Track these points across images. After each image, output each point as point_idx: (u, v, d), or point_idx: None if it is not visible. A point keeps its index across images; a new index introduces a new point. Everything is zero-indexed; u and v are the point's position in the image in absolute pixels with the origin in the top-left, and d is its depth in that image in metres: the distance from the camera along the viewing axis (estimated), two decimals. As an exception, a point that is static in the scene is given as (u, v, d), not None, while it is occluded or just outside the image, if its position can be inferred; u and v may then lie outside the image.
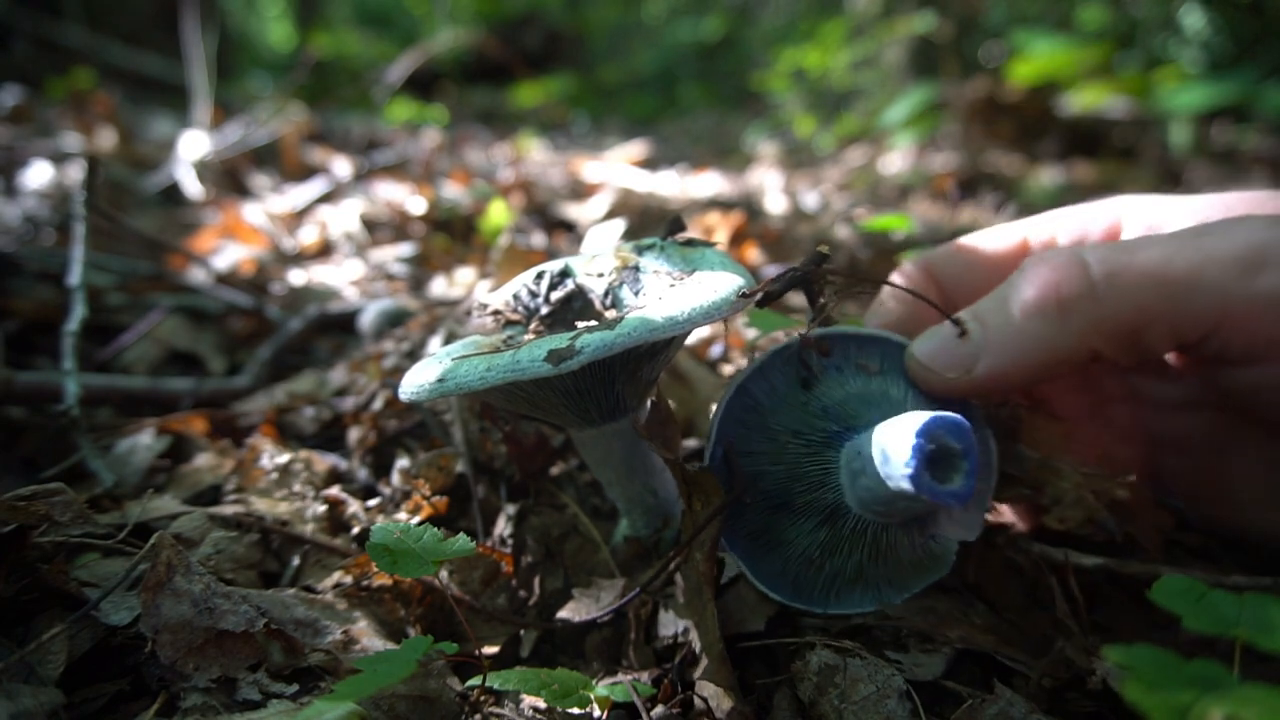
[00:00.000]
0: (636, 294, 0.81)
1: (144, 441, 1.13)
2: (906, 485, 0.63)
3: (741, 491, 0.73)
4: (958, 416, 0.65)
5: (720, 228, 1.95)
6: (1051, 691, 0.71)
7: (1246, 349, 0.69)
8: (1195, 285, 0.67)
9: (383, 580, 0.85)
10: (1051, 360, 0.72)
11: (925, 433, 0.63)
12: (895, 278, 0.91)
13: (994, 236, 0.91)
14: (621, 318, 0.68)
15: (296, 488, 1.02)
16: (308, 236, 2.26)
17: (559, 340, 0.65)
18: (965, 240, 0.93)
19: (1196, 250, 0.68)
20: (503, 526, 0.96)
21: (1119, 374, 0.89)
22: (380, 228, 2.36)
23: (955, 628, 0.76)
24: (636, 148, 3.78)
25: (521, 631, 0.85)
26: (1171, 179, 3.46)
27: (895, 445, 0.65)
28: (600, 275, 0.84)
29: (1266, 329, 0.67)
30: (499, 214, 2.05)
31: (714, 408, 0.76)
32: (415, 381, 0.71)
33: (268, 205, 2.47)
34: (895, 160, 4.08)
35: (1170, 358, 0.85)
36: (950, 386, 0.75)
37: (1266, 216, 0.70)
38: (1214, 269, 0.67)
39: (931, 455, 0.64)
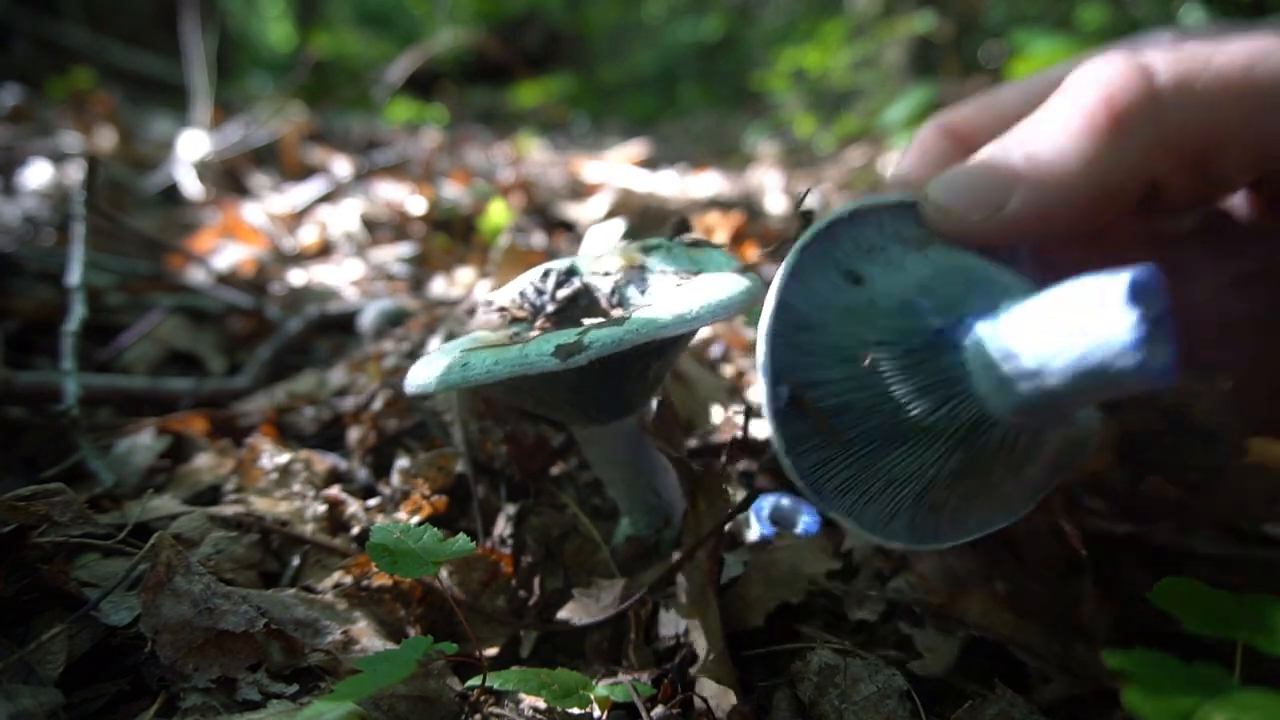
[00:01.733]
0: (643, 293, 0.81)
1: (144, 441, 1.13)
2: (1128, 363, 0.47)
3: (832, 434, 0.58)
4: (1149, 266, 0.48)
5: (720, 228, 1.95)
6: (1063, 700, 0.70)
7: None
8: None
9: (383, 580, 0.85)
10: (1103, 191, 0.58)
11: (1137, 294, 0.47)
12: (913, 144, 0.75)
13: (1028, 82, 0.72)
14: (630, 315, 0.68)
15: (296, 488, 1.02)
16: (308, 236, 2.26)
17: (567, 335, 0.64)
18: (992, 91, 0.75)
19: None
20: (503, 526, 0.96)
21: (1166, 240, 0.73)
22: (380, 228, 2.36)
23: (975, 601, 0.72)
24: (636, 148, 3.77)
25: (521, 632, 0.85)
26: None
27: (1099, 323, 0.49)
28: (607, 274, 0.84)
29: None
30: (499, 214, 2.05)
31: (758, 333, 0.59)
32: (421, 374, 0.71)
33: (268, 205, 2.47)
34: (895, 160, 4.07)
35: (1243, 204, 0.68)
36: (974, 231, 0.60)
37: None
38: None
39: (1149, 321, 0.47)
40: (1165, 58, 0.56)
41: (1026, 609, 0.74)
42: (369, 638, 0.78)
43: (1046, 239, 0.62)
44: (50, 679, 0.68)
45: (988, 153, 0.61)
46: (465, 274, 1.89)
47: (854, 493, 0.60)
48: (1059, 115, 0.59)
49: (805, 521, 0.89)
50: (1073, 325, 0.50)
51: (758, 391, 0.59)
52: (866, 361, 0.58)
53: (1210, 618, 0.58)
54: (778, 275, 0.60)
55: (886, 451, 0.59)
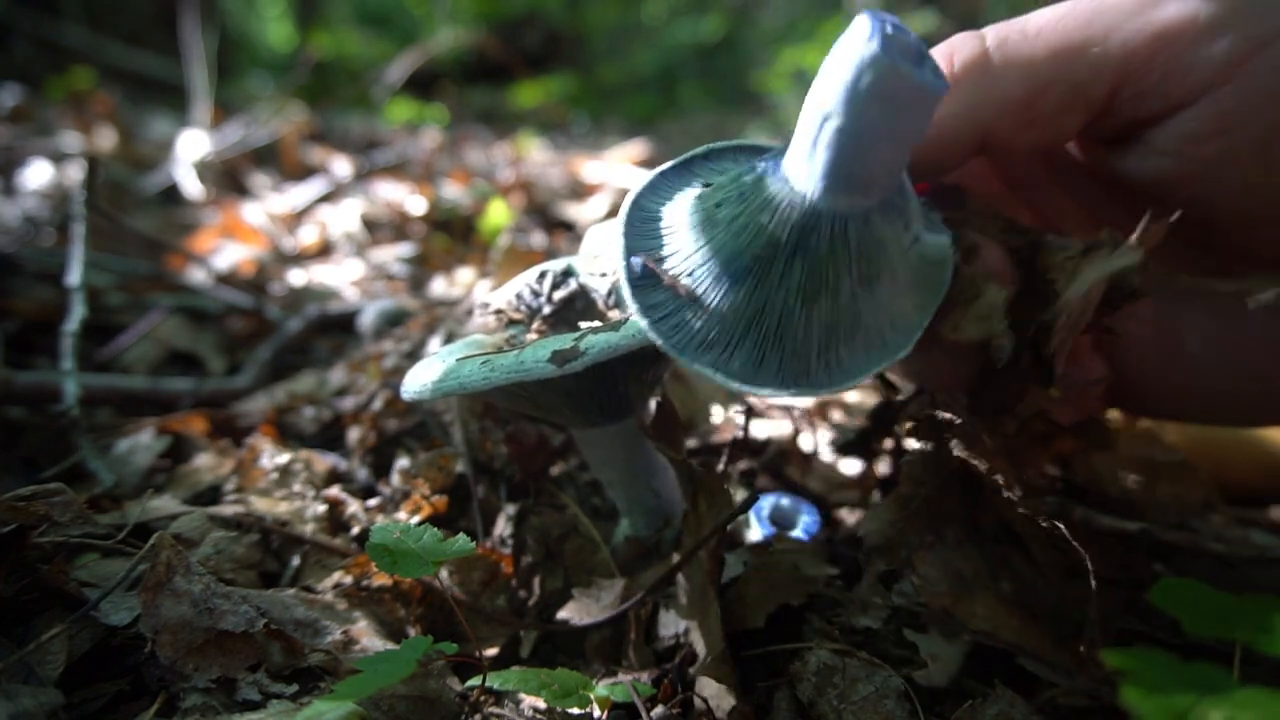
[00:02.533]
0: None
1: (144, 441, 1.13)
2: (878, 54, 0.50)
3: (684, 289, 0.62)
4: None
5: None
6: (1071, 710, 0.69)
7: (1155, 99, 0.62)
8: (1087, 36, 0.61)
9: (383, 580, 0.85)
10: (939, 137, 0.65)
11: (876, 15, 0.52)
12: None
13: None
14: (626, 318, 0.68)
15: (296, 488, 1.02)
16: (308, 236, 2.26)
17: (563, 341, 0.65)
18: None
19: (1090, 1, 0.62)
20: (503, 526, 0.96)
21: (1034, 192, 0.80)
22: (380, 228, 2.36)
23: (981, 602, 0.72)
24: (636, 147, 3.77)
25: (521, 632, 0.85)
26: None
27: (844, 45, 0.52)
28: (604, 275, 0.84)
29: (1171, 66, 0.60)
30: (499, 214, 2.05)
31: (614, 227, 0.65)
32: (418, 380, 0.71)
33: (268, 205, 2.47)
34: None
35: (1079, 155, 0.75)
36: None
37: None
38: (1107, 14, 0.61)
39: (891, 41, 0.51)
40: (993, 27, 0.65)
41: (1034, 611, 0.73)
42: (369, 638, 0.78)
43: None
44: (50, 679, 0.68)
45: None
46: (465, 274, 1.89)
47: (717, 346, 0.61)
48: None
49: (805, 522, 0.89)
50: (833, 60, 0.53)
51: (617, 270, 0.64)
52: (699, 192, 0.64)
53: (1209, 618, 0.58)
54: (633, 188, 0.67)
55: (734, 291, 0.61)
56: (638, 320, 0.61)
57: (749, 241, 0.60)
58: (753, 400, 1.20)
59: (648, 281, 0.63)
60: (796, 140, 0.58)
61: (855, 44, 0.51)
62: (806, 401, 1.18)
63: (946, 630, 0.73)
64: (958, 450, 0.69)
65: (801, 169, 0.58)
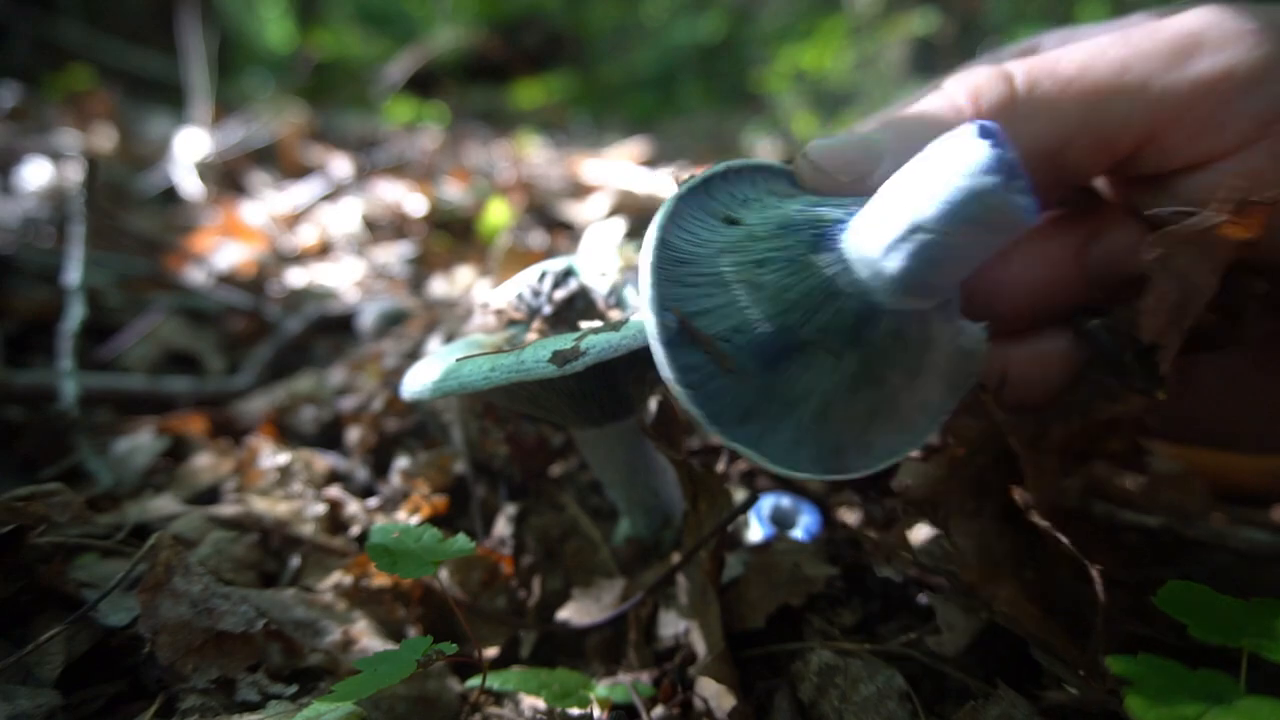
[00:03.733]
0: None
1: (143, 441, 1.13)
2: (992, 184, 0.48)
3: (721, 358, 0.57)
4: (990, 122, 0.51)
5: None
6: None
7: (1185, 151, 0.61)
8: (1119, 86, 0.59)
9: (382, 580, 0.85)
10: None
11: (985, 132, 0.49)
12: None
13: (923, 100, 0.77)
14: (626, 318, 0.68)
15: (296, 488, 1.02)
16: (307, 236, 2.26)
17: (564, 341, 0.64)
18: (885, 112, 0.79)
19: (1122, 46, 0.60)
20: (503, 527, 0.96)
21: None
22: (380, 227, 2.36)
23: (1006, 583, 0.70)
24: (636, 146, 3.77)
25: (521, 632, 0.85)
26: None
27: (958, 156, 0.50)
28: (604, 275, 0.84)
29: (1204, 122, 0.59)
30: (499, 214, 2.05)
31: (640, 268, 0.58)
32: (417, 380, 0.71)
33: (267, 205, 2.47)
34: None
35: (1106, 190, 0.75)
36: (841, 192, 0.63)
37: (1211, 5, 0.61)
38: (1139, 64, 0.59)
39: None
40: (1021, 65, 0.63)
41: (1052, 604, 0.73)
42: (369, 638, 0.78)
43: None
44: (48, 680, 0.68)
45: (867, 126, 0.67)
46: (465, 274, 1.89)
47: (754, 421, 0.59)
48: (930, 105, 0.65)
49: (806, 522, 0.89)
50: (935, 171, 0.51)
51: (646, 325, 0.57)
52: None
53: (1216, 623, 0.57)
54: (656, 217, 0.60)
55: (779, 368, 0.58)
56: (673, 386, 0.56)
57: (799, 321, 0.57)
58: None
59: (682, 339, 0.57)
60: (870, 228, 0.55)
61: (968, 164, 0.49)
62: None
63: (966, 603, 0.71)
64: (1006, 430, 0.67)
65: (871, 261, 0.55)
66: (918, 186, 0.52)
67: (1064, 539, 0.64)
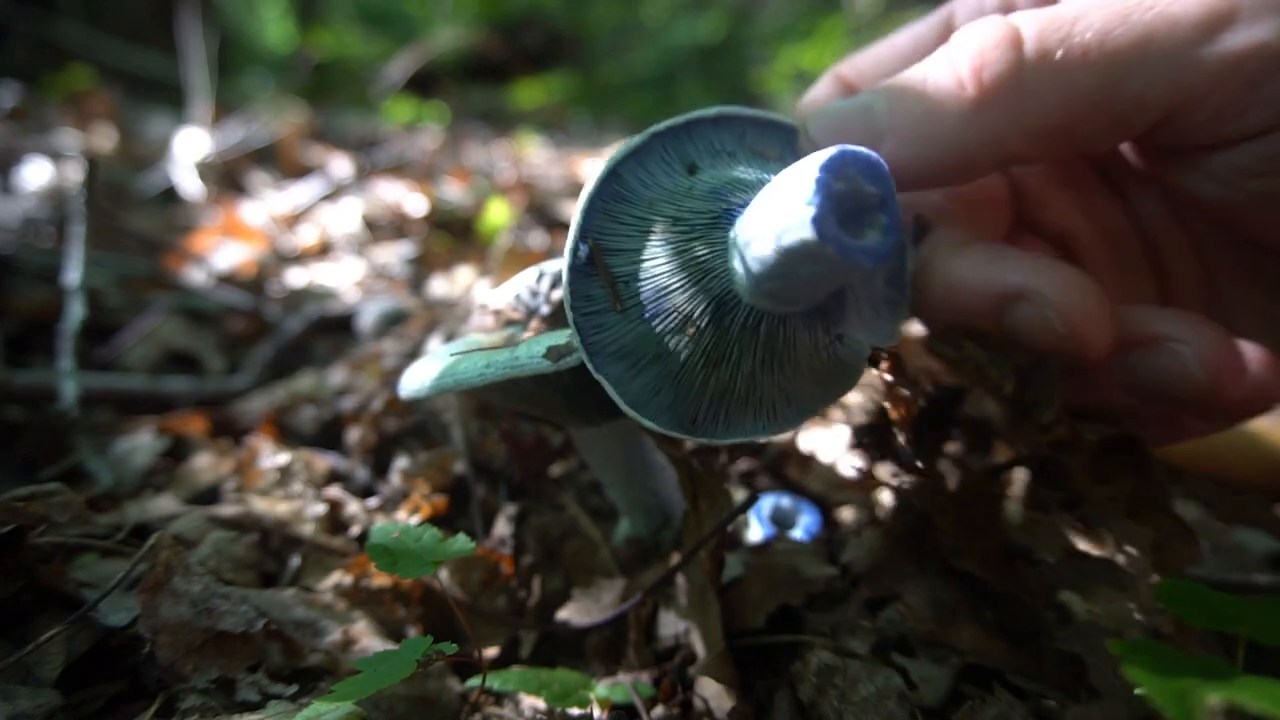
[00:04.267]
0: None
1: (143, 441, 1.13)
2: (808, 234, 0.49)
3: (615, 297, 0.61)
4: (873, 154, 0.51)
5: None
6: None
7: (1206, 132, 0.57)
8: (1140, 59, 0.54)
9: (382, 580, 0.85)
10: (960, 158, 0.60)
11: (832, 167, 0.49)
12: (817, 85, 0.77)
13: (922, 26, 0.74)
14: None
15: (296, 488, 1.02)
16: (307, 236, 2.26)
17: (559, 336, 0.65)
18: (887, 37, 0.77)
19: (1149, 9, 0.55)
20: (503, 527, 0.96)
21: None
22: (380, 227, 2.36)
23: (966, 627, 0.73)
24: (636, 147, 3.77)
25: (521, 632, 0.85)
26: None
27: (793, 187, 0.50)
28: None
29: (1232, 99, 0.54)
30: (498, 213, 2.05)
31: (581, 196, 0.61)
32: (415, 379, 0.71)
33: (267, 205, 2.47)
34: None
35: (1129, 155, 0.71)
36: None
37: None
38: (1166, 32, 0.54)
39: (841, 199, 0.50)
40: (1035, 23, 0.57)
41: (1015, 638, 0.74)
42: (369, 638, 0.78)
43: (915, 188, 0.65)
44: (48, 680, 0.68)
45: (868, 97, 0.63)
46: (465, 274, 1.89)
47: (626, 360, 0.62)
48: (933, 76, 0.61)
49: (805, 522, 0.89)
50: (784, 190, 0.51)
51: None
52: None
53: (1213, 615, 0.58)
54: (619, 148, 0.62)
55: (654, 322, 0.61)
56: (566, 308, 0.60)
57: (680, 285, 0.60)
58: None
59: (588, 271, 0.61)
60: (741, 229, 0.56)
61: (799, 216, 0.49)
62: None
63: (935, 654, 0.74)
64: (916, 501, 0.70)
65: (736, 258, 0.56)
66: (765, 215, 0.53)
67: (993, 579, 0.66)
